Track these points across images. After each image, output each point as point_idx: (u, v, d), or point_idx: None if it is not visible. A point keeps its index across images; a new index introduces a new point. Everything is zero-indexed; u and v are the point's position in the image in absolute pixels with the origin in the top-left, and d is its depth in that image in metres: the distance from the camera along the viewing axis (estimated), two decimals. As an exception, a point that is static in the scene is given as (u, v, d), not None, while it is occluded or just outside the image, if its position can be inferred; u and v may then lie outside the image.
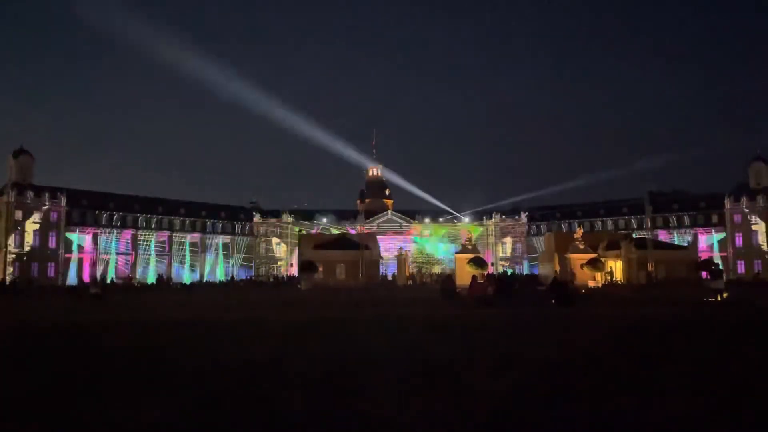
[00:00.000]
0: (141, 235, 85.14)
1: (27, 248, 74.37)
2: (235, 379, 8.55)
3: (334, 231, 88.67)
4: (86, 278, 67.06)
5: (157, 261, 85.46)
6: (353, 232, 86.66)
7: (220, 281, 76.50)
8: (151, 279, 76.01)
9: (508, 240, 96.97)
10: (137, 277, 79.18)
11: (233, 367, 9.69)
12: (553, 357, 10.62)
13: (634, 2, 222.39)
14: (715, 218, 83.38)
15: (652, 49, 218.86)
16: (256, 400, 7.23)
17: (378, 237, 78.36)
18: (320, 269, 59.42)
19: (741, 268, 78.77)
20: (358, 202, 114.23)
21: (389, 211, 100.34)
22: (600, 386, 7.98)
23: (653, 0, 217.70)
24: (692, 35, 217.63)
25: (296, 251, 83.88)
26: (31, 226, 75.09)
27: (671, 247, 69.42)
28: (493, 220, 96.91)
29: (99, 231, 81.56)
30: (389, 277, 70.24)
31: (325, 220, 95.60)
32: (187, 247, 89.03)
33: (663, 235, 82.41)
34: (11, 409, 6.89)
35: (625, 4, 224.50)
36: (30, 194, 75.32)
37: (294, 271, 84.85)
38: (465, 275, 45.40)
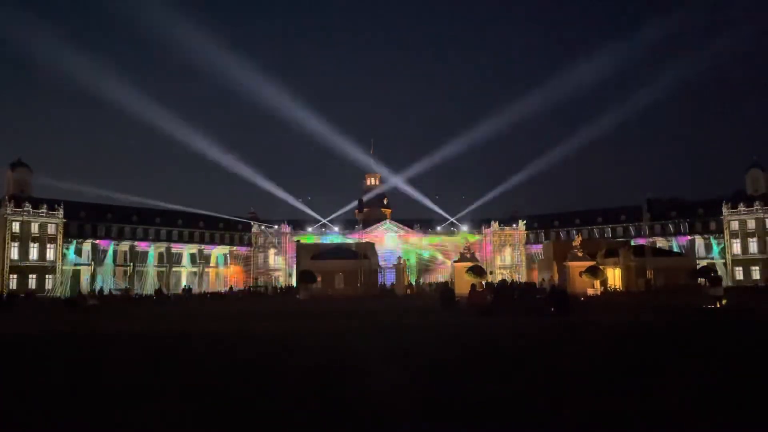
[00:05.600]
0: (139, 246, 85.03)
1: (25, 260, 74.29)
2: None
3: (333, 240, 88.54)
4: (84, 290, 66.90)
5: (155, 272, 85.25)
6: (352, 241, 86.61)
7: (218, 292, 76.28)
8: (149, 290, 75.82)
9: (507, 248, 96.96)
10: (135, 288, 78.97)
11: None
12: (553, 363, 10.62)
13: (629, 6, 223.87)
14: (712, 225, 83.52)
15: (651, 52, 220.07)
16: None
17: (376, 246, 78.33)
18: (319, 279, 59.26)
19: (739, 274, 78.85)
20: (357, 211, 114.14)
21: (388, 220, 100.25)
22: (597, 391, 7.98)
23: (648, 4, 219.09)
24: (690, 39, 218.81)
25: (295, 261, 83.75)
26: (29, 238, 75.07)
27: (670, 254, 69.51)
28: (491, 228, 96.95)
29: (97, 242, 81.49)
30: (388, 286, 70.11)
31: (323, 229, 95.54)
32: (186, 258, 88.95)
33: (661, 242, 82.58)
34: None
35: (619, 8, 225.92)
36: (28, 206, 75.34)
37: (293, 281, 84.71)
38: (464, 284, 45.34)
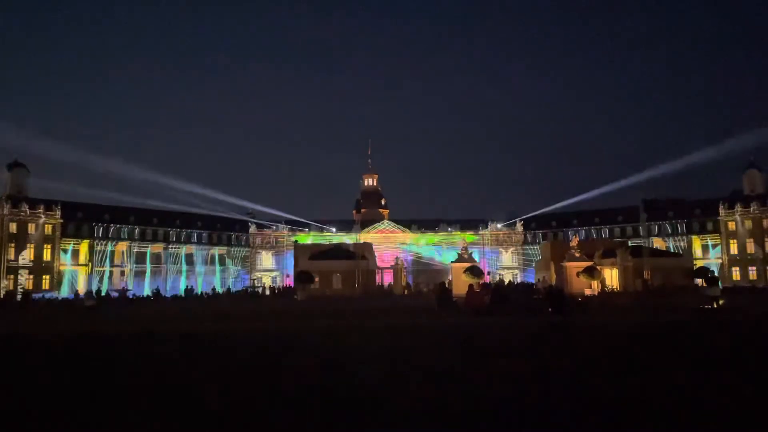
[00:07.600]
0: (136, 246, 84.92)
1: (22, 261, 74.08)
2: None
3: (331, 241, 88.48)
4: (82, 291, 66.77)
5: (152, 273, 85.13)
6: (350, 241, 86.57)
7: (216, 292, 76.21)
8: (147, 291, 75.69)
9: (505, 249, 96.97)
10: (132, 289, 78.79)
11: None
12: (551, 363, 10.64)
13: (626, 8, 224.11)
14: (710, 225, 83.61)
15: (647, 55, 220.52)
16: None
17: (374, 246, 78.31)
18: (317, 279, 59.26)
19: (736, 275, 78.89)
20: (354, 212, 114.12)
21: (385, 221, 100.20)
22: (592, 390, 8.00)
23: (644, 5, 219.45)
24: (687, 42, 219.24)
25: (292, 262, 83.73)
26: (26, 238, 74.88)
27: (667, 254, 69.52)
28: (489, 229, 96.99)
29: (94, 243, 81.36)
30: (386, 287, 70.14)
31: (321, 230, 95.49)
32: (183, 259, 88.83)
33: (658, 243, 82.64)
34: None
35: (616, 11, 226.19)
36: (25, 207, 75.15)
37: (290, 281, 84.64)
38: (461, 284, 45.34)
